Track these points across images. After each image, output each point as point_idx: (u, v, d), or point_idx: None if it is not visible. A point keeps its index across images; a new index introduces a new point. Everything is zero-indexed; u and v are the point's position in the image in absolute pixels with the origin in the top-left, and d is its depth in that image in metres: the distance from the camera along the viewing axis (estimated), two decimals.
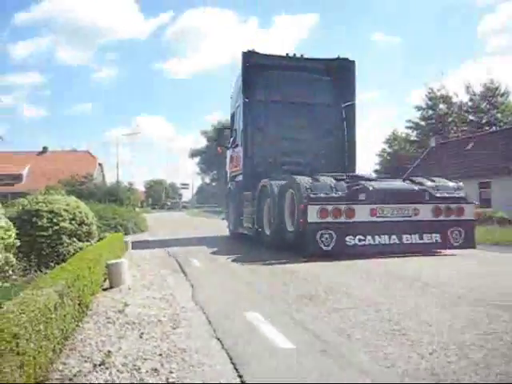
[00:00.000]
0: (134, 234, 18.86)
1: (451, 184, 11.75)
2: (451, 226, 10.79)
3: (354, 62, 15.33)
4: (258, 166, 14.56)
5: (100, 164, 61.72)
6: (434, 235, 10.73)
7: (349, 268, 8.85)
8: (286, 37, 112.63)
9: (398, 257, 9.87)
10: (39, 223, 8.91)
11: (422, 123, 45.01)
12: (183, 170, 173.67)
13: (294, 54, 15.58)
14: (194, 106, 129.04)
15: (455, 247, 10.80)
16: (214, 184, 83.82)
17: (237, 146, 15.78)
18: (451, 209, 10.93)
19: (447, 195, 11.26)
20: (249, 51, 14.85)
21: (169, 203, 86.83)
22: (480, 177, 27.66)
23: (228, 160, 17.32)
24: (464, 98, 44.81)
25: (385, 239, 10.35)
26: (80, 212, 9.69)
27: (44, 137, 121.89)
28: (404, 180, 12.48)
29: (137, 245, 13.84)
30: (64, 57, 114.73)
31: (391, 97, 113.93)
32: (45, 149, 61.91)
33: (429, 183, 11.61)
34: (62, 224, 9.13)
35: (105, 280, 7.36)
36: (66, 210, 9.40)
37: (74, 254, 8.65)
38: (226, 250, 12.49)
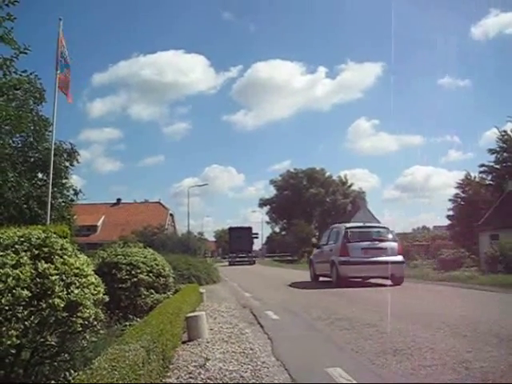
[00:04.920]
0: (207, 285, 18.96)
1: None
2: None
3: (250, 228, 64.98)
4: (232, 248, 59.42)
5: (171, 214, 63.11)
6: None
7: None
8: (352, 84, 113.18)
9: None
10: (118, 275, 9.10)
11: (497, 166, 43.52)
12: (253, 219, 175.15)
13: (242, 225, 66.45)
14: (262, 156, 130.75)
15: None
16: (283, 233, 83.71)
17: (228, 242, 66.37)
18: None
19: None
20: (230, 227, 65.53)
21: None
22: None
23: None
24: None
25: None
26: (157, 264, 9.85)
27: (118, 189, 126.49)
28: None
29: (210, 296, 13.90)
30: (137, 112, 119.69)
31: (462, 140, 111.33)
32: (118, 200, 64.13)
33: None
34: (139, 276, 9.29)
35: (183, 332, 7.37)
36: (143, 263, 9.58)
37: (151, 306, 8.79)
38: (301, 303, 12.34)
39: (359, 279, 17.07)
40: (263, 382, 4.97)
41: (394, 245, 17.25)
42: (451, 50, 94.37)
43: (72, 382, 3.57)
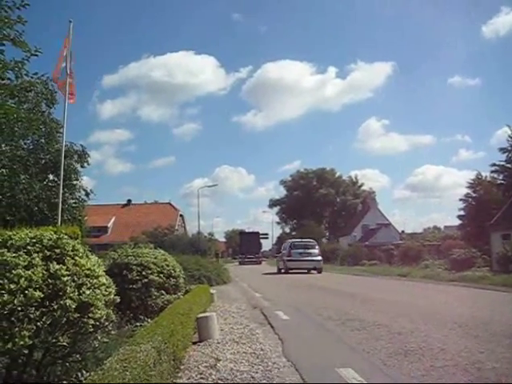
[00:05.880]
0: (217, 286, 18.96)
1: None
2: None
3: (257, 232, 71.29)
4: (241, 250, 64.28)
5: (181, 215, 63.22)
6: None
7: None
8: (362, 84, 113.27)
9: None
10: (129, 276, 9.11)
11: (509, 165, 43.10)
12: (263, 219, 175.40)
13: (251, 231, 76.44)
14: (272, 156, 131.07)
15: None
16: (293, 233, 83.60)
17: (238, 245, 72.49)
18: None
19: None
20: (240, 232, 79.88)
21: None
22: None
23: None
24: None
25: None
26: (168, 265, 9.86)
27: (128, 190, 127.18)
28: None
29: (221, 296, 13.92)
30: (147, 114, 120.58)
31: (473, 139, 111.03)
32: (129, 201, 64.29)
33: None
34: (150, 277, 9.30)
35: (194, 333, 7.38)
36: (154, 263, 9.58)
37: (162, 306, 8.80)
38: (311, 303, 12.34)
39: (297, 270, 29.71)
40: (274, 382, 4.97)
41: (317, 251, 31.18)
42: (461, 49, 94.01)
43: (84, 382, 3.59)
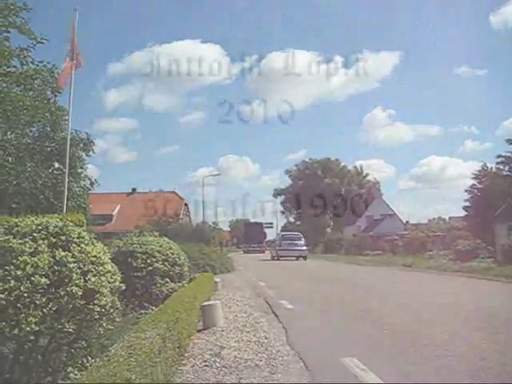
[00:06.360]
0: (222, 274, 19.00)
1: None
2: None
3: (261, 223, 70.53)
4: (246, 239, 68.05)
5: (186, 204, 63.18)
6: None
7: None
8: (369, 74, 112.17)
9: None
10: (134, 264, 9.12)
11: None
12: (268, 209, 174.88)
13: (255, 221, 71.29)
14: (277, 145, 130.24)
15: None
16: (298, 223, 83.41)
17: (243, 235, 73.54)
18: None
19: None
20: (246, 222, 75.56)
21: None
22: None
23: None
24: None
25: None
26: (172, 253, 9.88)
27: (133, 178, 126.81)
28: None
29: (225, 285, 13.95)
30: (153, 102, 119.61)
31: (479, 130, 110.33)
32: (134, 190, 64.20)
33: None
34: (155, 265, 9.32)
35: (198, 321, 7.41)
36: (159, 252, 9.60)
37: (166, 294, 8.83)
38: (316, 292, 12.37)
39: (286, 257, 35.36)
40: (278, 370, 4.98)
41: (302, 242, 37.89)
42: (469, 39, 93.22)
43: (89, 368, 3.62)
